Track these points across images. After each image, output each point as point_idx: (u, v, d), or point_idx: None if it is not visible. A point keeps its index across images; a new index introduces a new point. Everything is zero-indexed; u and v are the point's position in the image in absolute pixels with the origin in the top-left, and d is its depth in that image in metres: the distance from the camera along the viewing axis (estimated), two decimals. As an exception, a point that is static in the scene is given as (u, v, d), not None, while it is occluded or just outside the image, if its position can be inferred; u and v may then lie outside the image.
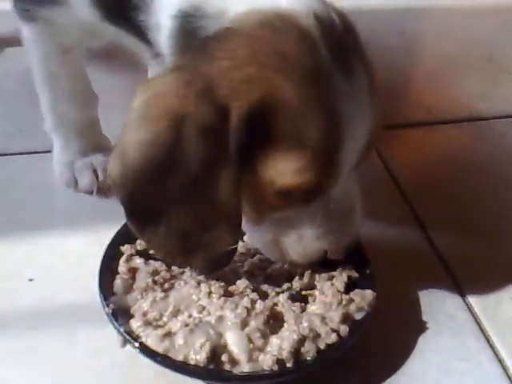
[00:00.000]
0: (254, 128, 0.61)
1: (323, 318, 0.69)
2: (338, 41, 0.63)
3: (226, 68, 0.61)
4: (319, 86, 0.61)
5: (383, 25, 1.25)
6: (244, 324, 0.68)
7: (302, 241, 0.70)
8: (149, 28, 0.71)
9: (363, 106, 0.63)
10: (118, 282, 0.72)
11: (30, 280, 0.77)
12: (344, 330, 0.69)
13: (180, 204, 0.64)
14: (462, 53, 1.21)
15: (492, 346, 0.73)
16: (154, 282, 0.72)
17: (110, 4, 0.74)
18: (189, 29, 0.66)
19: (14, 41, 0.93)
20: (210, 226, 0.65)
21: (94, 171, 0.87)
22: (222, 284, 0.72)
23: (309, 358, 0.66)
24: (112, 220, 0.78)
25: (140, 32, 0.72)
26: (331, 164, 0.63)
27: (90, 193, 0.87)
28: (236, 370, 0.65)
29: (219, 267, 0.70)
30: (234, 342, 0.66)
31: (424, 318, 0.75)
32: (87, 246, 0.80)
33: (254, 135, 0.61)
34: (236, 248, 0.68)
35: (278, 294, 0.72)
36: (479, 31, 1.28)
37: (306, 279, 0.74)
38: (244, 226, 0.69)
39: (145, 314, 0.69)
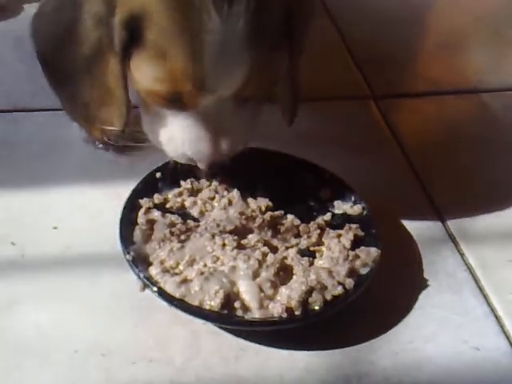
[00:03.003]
0: (131, 30, 0.68)
1: (330, 272, 0.73)
2: None
3: None
4: (191, 16, 0.66)
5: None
6: (255, 274, 0.71)
7: (172, 140, 0.76)
8: None
9: (235, 49, 0.67)
10: (138, 232, 0.75)
11: (54, 228, 0.79)
12: (349, 283, 0.72)
13: (79, 76, 0.73)
14: (469, 26, 1.23)
15: (489, 303, 0.77)
16: (171, 234, 0.75)
17: None
18: None
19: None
20: (104, 104, 0.73)
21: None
22: (235, 237, 0.75)
23: (316, 308, 0.70)
24: (130, 174, 0.83)
25: None
26: (190, 84, 0.68)
27: (107, 149, 0.89)
28: (247, 316, 0.69)
29: (112, 142, 0.80)
30: (245, 290, 0.70)
31: (425, 275, 0.79)
32: (106, 199, 0.83)
33: (133, 36, 0.68)
34: (123, 129, 0.75)
35: (287, 248, 0.76)
36: (486, 5, 1.29)
37: (313, 238, 0.77)
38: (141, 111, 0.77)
39: (162, 263, 0.72)
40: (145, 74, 0.70)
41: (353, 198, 0.82)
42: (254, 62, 0.68)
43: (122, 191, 0.80)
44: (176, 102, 0.72)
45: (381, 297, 0.75)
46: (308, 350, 0.71)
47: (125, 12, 0.68)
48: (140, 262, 0.72)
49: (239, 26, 0.66)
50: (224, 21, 0.66)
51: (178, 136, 0.75)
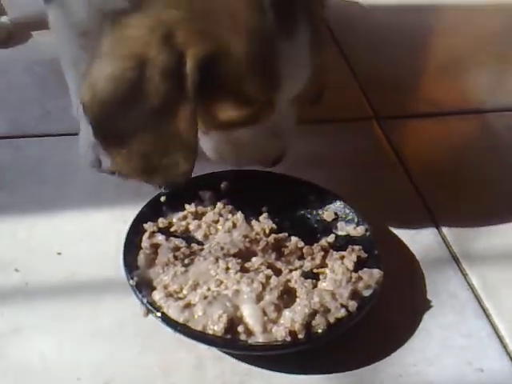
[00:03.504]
0: (205, 73, 0.70)
1: (333, 294, 0.73)
2: (285, 3, 0.71)
3: (182, 19, 0.70)
4: (262, 44, 0.71)
5: (395, 20, 1.28)
6: (259, 298, 0.72)
7: (240, 151, 0.80)
8: None
9: (301, 61, 0.73)
10: (142, 257, 0.76)
11: (58, 254, 0.80)
12: (353, 305, 0.72)
13: (142, 131, 0.73)
14: (470, 48, 1.23)
15: (492, 324, 0.77)
16: (175, 258, 0.76)
17: None
18: None
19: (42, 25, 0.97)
20: (168, 152, 0.74)
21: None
22: (239, 260, 0.75)
23: (319, 331, 0.70)
24: (135, 198, 0.83)
25: None
26: (268, 106, 0.74)
27: (113, 173, 0.90)
28: (251, 340, 0.69)
29: (176, 186, 0.78)
30: (249, 314, 0.70)
31: (428, 296, 0.79)
32: (112, 223, 0.84)
33: (206, 79, 0.70)
34: (191, 171, 0.76)
35: (291, 271, 0.76)
36: (486, 27, 1.30)
37: (317, 260, 0.78)
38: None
39: (166, 287, 0.73)
40: (226, 108, 0.73)
41: (356, 220, 0.83)
42: (315, 70, 0.75)
43: (127, 215, 0.81)
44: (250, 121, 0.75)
45: (384, 319, 0.75)
46: (312, 373, 0.71)
47: (197, 58, 0.69)
48: (144, 287, 0.73)
49: (304, 42, 0.73)
50: (292, 40, 0.72)
51: (249, 147, 0.79)
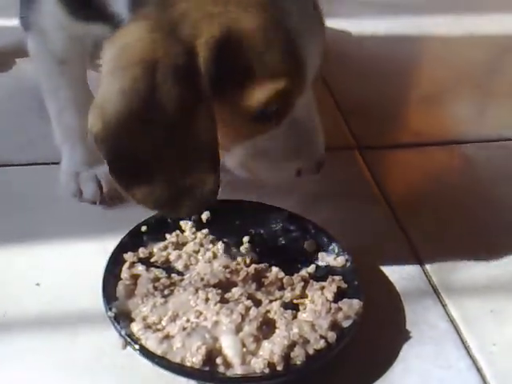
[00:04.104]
0: (221, 61, 0.65)
1: (313, 325, 0.73)
2: None
3: (185, 10, 0.65)
4: (272, 12, 0.67)
5: (378, 50, 1.30)
6: (238, 329, 0.71)
7: (273, 163, 0.74)
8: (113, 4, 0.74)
9: (312, 21, 0.71)
10: (121, 288, 0.76)
11: (37, 284, 0.80)
12: (332, 336, 0.72)
13: (162, 151, 0.66)
14: (452, 79, 1.25)
15: (471, 356, 0.77)
16: (155, 288, 0.75)
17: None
18: None
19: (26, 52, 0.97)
20: (191, 169, 0.68)
21: (98, 182, 0.91)
22: (219, 291, 0.75)
23: (298, 363, 0.70)
24: (116, 228, 0.83)
25: (103, 13, 0.76)
26: (298, 77, 0.69)
27: (94, 203, 0.90)
28: (230, 373, 0.69)
29: (207, 206, 0.75)
30: (228, 345, 0.70)
31: (408, 327, 0.79)
32: (92, 253, 0.83)
33: (223, 68, 0.66)
34: (218, 186, 0.70)
35: (271, 301, 0.76)
36: (469, 59, 1.32)
37: (297, 291, 0.78)
38: None
39: (145, 318, 0.73)
40: (252, 93, 0.67)
41: (336, 250, 0.83)
42: (323, 40, 0.72)
43: (108, 245, 0.81)
44: (275, 114, 0.70)
45: (363, 350, 0.75)
46: (290, 405, 0.71)
47: (209, 45, 0.64)
48: (122, 319, 0.73)
49: (309, 6, 0.70)
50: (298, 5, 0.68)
51: (282, 153, 0.74)
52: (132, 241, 0.82)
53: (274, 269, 0.80)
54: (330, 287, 0.78)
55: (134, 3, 0.70)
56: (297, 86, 0.69)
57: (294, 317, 0.75)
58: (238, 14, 0.65)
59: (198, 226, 0.85)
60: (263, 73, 0.67)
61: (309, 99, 0.73)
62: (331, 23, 1.30)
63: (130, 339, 0.71)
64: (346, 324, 0.74)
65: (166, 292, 0.76)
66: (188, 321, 0.73)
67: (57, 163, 0.93)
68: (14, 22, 0.91)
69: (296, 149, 0.74)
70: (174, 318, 0.73)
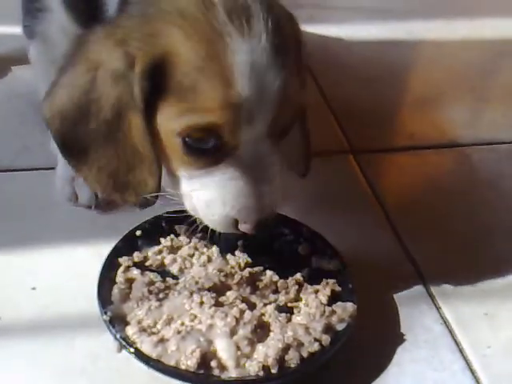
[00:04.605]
0: (155, 78, 0.67)
1: (307, 328, 0.73)
2: (241, 6, 0.67)
3: (138, 22, 0.69)
4: (215, 44, 0.66)
5: (373, 54, 1.31)
6: (233, 332, 0.72)
7: (210, 204, 0.71)
8: (106, 11, 0.78)
9: (264, 68, 0.66)
10: (116, 292, 0.76)
11: (33, 289, 0.80)
12: (326, 339, 0.73)
13: (103, 144, 0.70)
14: (446, 82, 1.25)
15: (465, 358, 0.77)
16: (150, 292, 0.76)
17: (79, 2, 0.82)
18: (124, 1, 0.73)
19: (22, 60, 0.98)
20: (133, 167, 0.70)
21: (93, 188, 0.91)
22: (214, 295, 0.76)
23: (292, 366, 0.70)
24: (111, 233, 0.83)
25: (101, 21, 0.78)
26: (228, 111, 0.66)
27: (89, 207, 0.91)
28: (224, 376, 0.69)
29: (147, 205, 0.74)
30: (222, 348, 0.70)
31: (402, 330, 0.79)
32: (87, 257, 0.84)
33: (155, 86, 0.67)
34: (158, 188, 0.72)
35: (265, 305, 0.76)
36: (463, 62, 1.32)
37: (291, 294, 0.78)
38: (165, 173, 0.74)
39: (140, 322, 0.73)
40: (177, 118, 0.67)
41: (330, 253, 0.83)
42: (283, 84, 0.67)
43: (103, 250, 0.81)
44: (212, 150, 0.68)
45: (358, 352, 0.76)
46: (284, 408, 0.71)
47: (146, 61, 0.67)
48: (117, 322, 0.73)
49: (263, 45, 0.67)
50: (247, 40, 0.66)
51: (217, 196, 0.70)
52: (127, 245, 0.82)
53: (269, 272, 0.80)
54: (324, 290, 0.78)
55: (117, 11, 0.74)
56: (227, 127, 0.67)
57: (289, 320, 0.75)
58: (180, 39, 0.67)
59: (193, 230, 0.85)
60: (190, 102, 0.67)
61: (260, 150, 0.70)
62: (323, 30, 1.33)
63: (125, 342, 0.71)
64: (340, 327, 0.75)
65: (160, 295, 0.76)
66: (183, 324, 0.73)
67: (52, 168, 0.93)
68: (10, 29, 0.91)
69: (234, 199, 0.70)
70: (168, 322, 0.73)
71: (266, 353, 0.70)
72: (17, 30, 0.92)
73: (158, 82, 0.67)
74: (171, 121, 0.68)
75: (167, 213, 0.79)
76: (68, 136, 0.71)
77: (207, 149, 0.69)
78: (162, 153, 0.71)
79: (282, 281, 0.79)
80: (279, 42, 0.68)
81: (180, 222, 0.84)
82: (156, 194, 0.72)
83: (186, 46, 0.66)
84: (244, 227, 0.71)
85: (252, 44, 0.66)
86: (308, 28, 1.31)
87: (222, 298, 0.76)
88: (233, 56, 0.65)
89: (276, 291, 0.79)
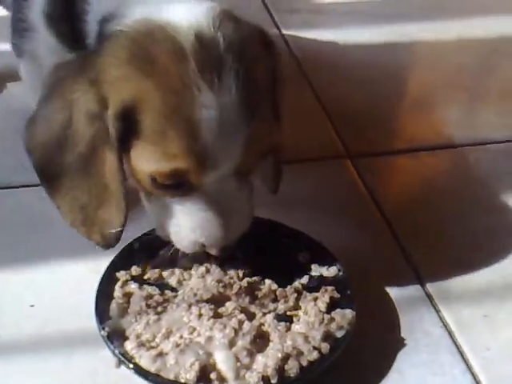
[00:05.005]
0: (127, 120, 0.68)
1: (306, 337, 0.73)
2: (213, 59, 0.68)
3: (109, 64, 0.69)
4: (183, 94, 0.67)
5: (368, 58, 1.30)
6: (232, 344, 0.72)
7: (179, 230, 0.75)
8: (87, 37, 0.79)
9: (231, 122, 0.68)
10: (114, 306, 0.76)
11: (31, 306, 0.80)
12: (325, 347, 0.72)
13: (77, 177, 0.72)
14: (440, 84, 1.25)
15: (466, 361, 0.77)
16: (148, 306, 0.76)
17: (61, 25, 0.83)
18: (102, 31, 0.74)
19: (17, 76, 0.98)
20: (102, 203, 0.72)
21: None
22: (212, 306, 0.76)
23: (292, 375, 0.70)
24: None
25: (83, 43, 0.80)
26: (192, 161, 0.68)
27: None
28: (224, 387, 0.69)
29: (110, 246, 0.75)
30: (222, 360, 0.70)
31: (402, 334, 0.79)
32: (85, 273, 0.84)
33: (128, 126, 0.68)
34: (122, 230, 0.73)
35: (264, 314, 0.76)
36: (457, 62, 1.32)
37: (291, 302, 0.78)
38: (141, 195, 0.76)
39: (138, 336, 0.73)
40: (146, 160, 0.70)
41: (329, 260, 0.83)
42: (252, 133, 0.69)
43: (101, 265, 0.81)
44: (180, 186, 0.71)
45: (358, 359, 0.75)
46: (285, 418, 0.71)
47: (118, 104, 0.68)
48: (116, 337, 0.73)
49: (231, 98, 0.68)
50: (216, 94, 0.67)
51: (187, 224, 0.74)
52: (124, 259, 0.82)
53: (267, 281, 0.80)
54: (323, 298, 0.78)
55: (98, 42, 0.75)
56: (192, 173, 0.69)
57: (288, 329, 0.75)
58: (149, 86, 0.67)
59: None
60: (159, 146, 0.68)
61: (225, 187, 0.72)
62: (317, 34, 1.33)
63: (124, 358, 0.71)
64: (339, 334, 0.75)
65: (159, 309, 0.76)
66: (181, 337, 0.73)
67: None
68: (4, 46, 0.92)
69: (201, 227, 0.73)
70: (167, 335, 0.73)
71: (265, 363, 0.70)
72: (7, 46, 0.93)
73: (130, 123, 0.69)
74: (142, 161, 0.70)
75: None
76: (46, 165, 0.73)
77: (175, 185, 0.71)
78: (136, 183, 0.74)
79: (280, 289, 0.79)
80: (250, 93, 0.69)
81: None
82: (121, 229, 0.73)
83: (154, 96, 0.67)
84: (211, 251, 0.77)
85: (220, 98, 0.67)
86: (303, 33, 1.34)
87: (221, 309, 0.76)
88: (200, 110, 0.67)
89: (275, 300, 0.79)
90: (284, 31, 1.36)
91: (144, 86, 0.68)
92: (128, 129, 0.69)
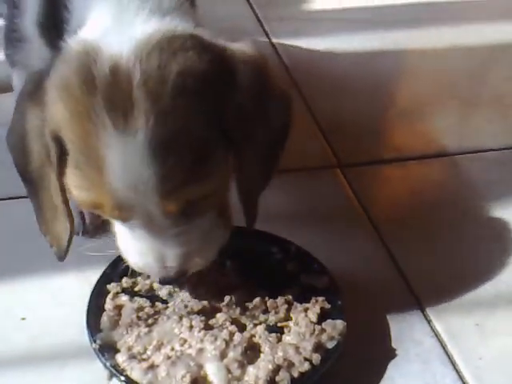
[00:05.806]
0: (61, 141, 0.68)
1: (297, 348, 0.73)
2: (122, 96, 0.64)
3: (51, 84, 0.68)
4: (91, 132, 0.65)
5: (358, 67, 1.30)
6: (223, 355, 0.72)
7: (127, 250, 0.74)
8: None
9: (137, 164, 0.64)
10: (105, 319, 0.76)
11: (22, 319, 0.80)
12: (316, 358, 0.73)
13: (38, 189, 0.72)
14: (431, 92, 1.25)
15: (457, 371, 0.77)
16: (139, 318, 0.76)
17: (53, 34, 0.81)
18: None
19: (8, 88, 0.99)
20: (54, 218, 0.73)
21: (81, 214, 0.91)
22: (203, 318, 0.76)
23: (283, 387, 0.70)
24: (99, 260, 0.82)
25: None
26: (106, 200, 0.66)
27: (77, 234, 0.89)
28: (215, 400, 0.69)
29: (62, 259, 0.75)
30: (213, 372, 0.71)
31: (393, 344, 0.79)
32: (76, 285, 0.84)
33: (62, 147, 0.68)
34: (68, 246, 0.74)
35: (255, 325, 0.76)
36: (447, 71, 1.32)
37: (281, 313, 0.78)
38: None
39: (130, 349, 0.73)
40: (73, 185, 0.69)
41: (319, 270, 0.83)
42: (163, 178, 0.64)
43: (92, 276, 0.81)
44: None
45: (349, 370, 0.76)
46: (276, 430, 0.71)
47: (51, 126, 0.67)
48: (107, 350, 0.73)
49: (137, 140, 0.63)
50: (120, 134, 0.64)
51: (129, 246, 0.73)
52: (115, 271, 0.82)
53: (258, 292, 0.80)
54: (314, 308, 0.78)
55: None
56: (107, 208, 0.67)
57: (279, 340, 0.75)
58: (65, 117, 0.66)
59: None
60: (82, 173, 0.67)
61: (157, 225, 0.69)
62: (307, 43, 1.33)
63: (115, 370, 0.71)
64: (330, 345, 0.75)
65: (150, 321, 0.76)
66: (173, 349, 0.73)
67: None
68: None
69: (139, 252, 0.73)
70: (158, 347, 0.73)
71: (256, 375, 0.70)
72: (1, 57, 0.93)
73: (63, 144, 0.68)
74: (70, 185, 0.69)
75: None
76: (22, 172, 0.73)
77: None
78: None
79: (271, 300, 0.79)
80: (164, 137, 0.64)
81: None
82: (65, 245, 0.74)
83: (69, 126, 0.66)
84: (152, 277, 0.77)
85: (125, 139, 0.63)
86: (293, 41, 1.34)
87: (211, 321, 0.76)
88: (105, 149, 0.64)
89: (266, 311, 0.79)
90: (274, 40, 1.36)
91: (61, 114, 0.66)
92: (62, 150, 0.68)
